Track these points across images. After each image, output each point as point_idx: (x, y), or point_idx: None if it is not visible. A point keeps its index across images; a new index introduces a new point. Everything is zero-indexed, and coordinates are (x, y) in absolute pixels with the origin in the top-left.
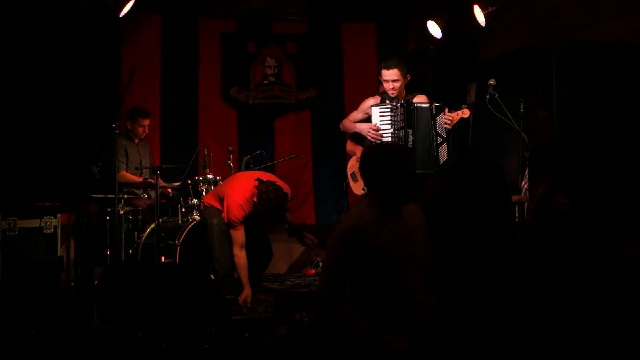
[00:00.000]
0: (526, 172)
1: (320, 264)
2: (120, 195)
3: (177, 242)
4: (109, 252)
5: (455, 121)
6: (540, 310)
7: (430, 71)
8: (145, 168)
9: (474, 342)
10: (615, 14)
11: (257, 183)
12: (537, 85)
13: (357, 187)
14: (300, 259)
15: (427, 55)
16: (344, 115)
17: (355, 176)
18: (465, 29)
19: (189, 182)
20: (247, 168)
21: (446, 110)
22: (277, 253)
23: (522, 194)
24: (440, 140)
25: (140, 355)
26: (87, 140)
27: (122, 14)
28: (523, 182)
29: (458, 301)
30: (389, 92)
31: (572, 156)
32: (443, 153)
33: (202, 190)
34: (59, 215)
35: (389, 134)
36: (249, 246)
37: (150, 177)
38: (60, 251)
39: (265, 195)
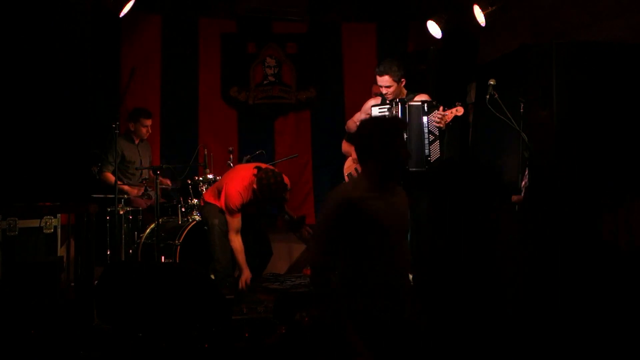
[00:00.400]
0: (526, 172)
1: None
2: (120, 195)
3: (177, 242)
4: (109, 252)
5: (450, 119)
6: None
7: (430, 71)
8: (145, 168)
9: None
10: (615, 14)
11: (256, 171)
12: (537, 85)
13: None
14: (301, 258)
15: (427, 55)
16: (344, 115)
17: (352, 177)
18: (465, 29)
19: (189, 182)
20: None
21: (441, 108)
22: (277, 253)
23: (522, 194)
24: (432, 138)
25: (140, 355)
26: (87, 140)
27: (122, 14)
28: (523, 182)
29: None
30: (385, 96)
31: (572, 156)
32: (435, 151)
33: (202, 190)
34: (59, 215)
35: None
36: (248, 246)
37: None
38: (60, 251)
39: (265, 180)
